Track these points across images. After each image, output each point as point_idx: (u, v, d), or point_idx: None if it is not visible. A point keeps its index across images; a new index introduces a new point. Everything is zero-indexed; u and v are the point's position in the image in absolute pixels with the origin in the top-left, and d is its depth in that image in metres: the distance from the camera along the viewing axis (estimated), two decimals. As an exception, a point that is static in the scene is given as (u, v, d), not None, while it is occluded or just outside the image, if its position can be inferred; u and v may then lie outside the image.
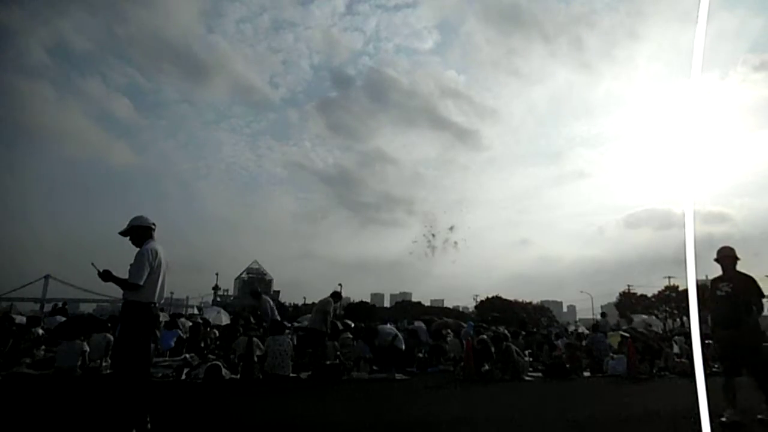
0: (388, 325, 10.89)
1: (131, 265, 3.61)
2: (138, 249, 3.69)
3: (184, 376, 6.97)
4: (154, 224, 3.87)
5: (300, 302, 63.49)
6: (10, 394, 5.62)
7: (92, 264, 3.58)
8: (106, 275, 3.56)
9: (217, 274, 61.66)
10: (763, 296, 4.47)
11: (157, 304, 3.76)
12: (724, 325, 4.59)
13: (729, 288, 4.57)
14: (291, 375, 7.38)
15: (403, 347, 9.06)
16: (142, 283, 3.55)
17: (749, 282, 4.54)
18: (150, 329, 3.71)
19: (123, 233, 3.80)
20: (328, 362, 8.02)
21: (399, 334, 9.45)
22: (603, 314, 20.63)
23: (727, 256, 4.68)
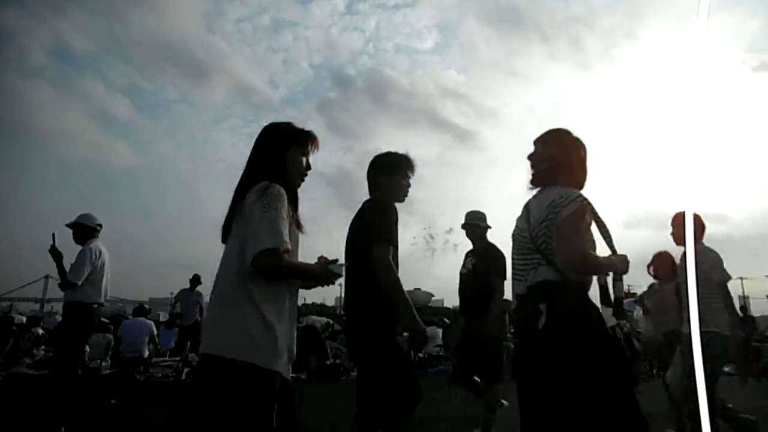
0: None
1: (72, 264, 3.58)
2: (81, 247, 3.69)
3: (184, 376, 6.97)
4: (100, 225, 3.84)
5: (300, 302, 63.49)
6: (10, 394, 5.62)
7: (53, 234, 3.55)
8: (55, 254, 3.52)
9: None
10: (504, 276, 3.43)
11: (103, 305, 3.76)
12: (463, 311, 3.67)
13: (471, 264, 3.59)
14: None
15: None
16: (79, 282, 3.52)
17: (497, 256, 3.49)
18: (88, 331, 3.73)
19: (69, 225, 3.77)
20: (328, 362, 8.03)
21: None
22: None
23: (470, 224, 3.63)
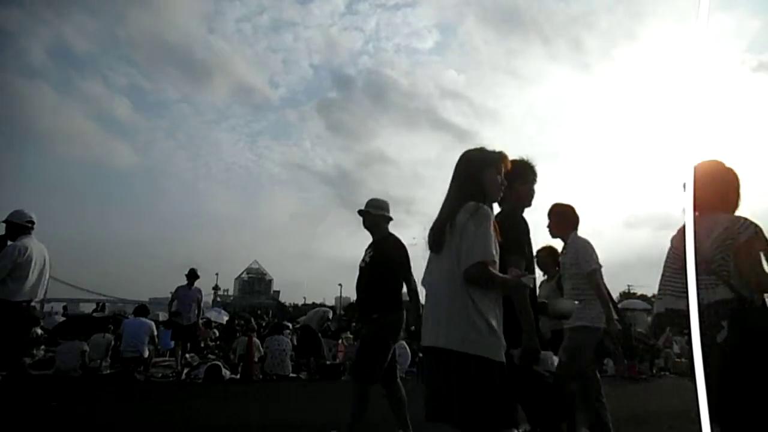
0: None
1: None
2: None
3: (184, 376, 6.98)
4: (30, 222, 3.75)
5: (300, 302, 63.62)
6: (10, 394, 5.61)
7: (6, 223, 3.62)
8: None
9: (217, 274, 61.88)
10: (406, 267, 3.16)
11: (32, 303, 3.67)
12: (359, 308, 3.29)
13: (369, 257, 3.26)
14: (291, 375, 7.39)
15: None
16: None
17: (395, 248, 3.19)
18: (20, 329, 3.64)
19: (4, 221, 3.73)
20: (328, 362, 8.04)
21: None
22: None
23: (363, 211, 3.31)
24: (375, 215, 3.29)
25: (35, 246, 3.66)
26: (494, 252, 1.68)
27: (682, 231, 2.13)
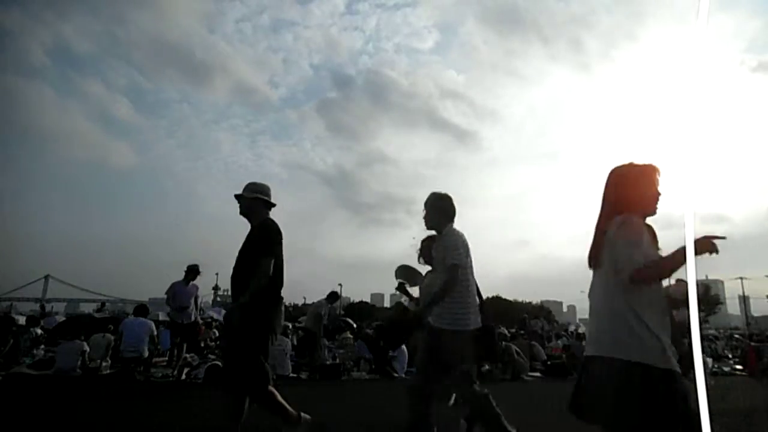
0: None
1: None
2: None
3: (184, 376, 6.98)
4: None
5: (300, 302, 63.54)
6: (10, 394, 5.62)
7: None
8: None
9: (217, 274, 61.60)
10: (270, 251, 2.94)
11: None
12: (231, 296, 3.05)
13: (242, 246, 3.09)
14: (291, 375, 7.39)
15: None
16: None
17: (268, 232, 3.03)
18: None
19: None
20: (328, 362, 8.04)
21: None
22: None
23: (237, 196, 3.15)
24: (249, 199, 3.10)
25: None
26: (641, 258, 1.72)
27: None
